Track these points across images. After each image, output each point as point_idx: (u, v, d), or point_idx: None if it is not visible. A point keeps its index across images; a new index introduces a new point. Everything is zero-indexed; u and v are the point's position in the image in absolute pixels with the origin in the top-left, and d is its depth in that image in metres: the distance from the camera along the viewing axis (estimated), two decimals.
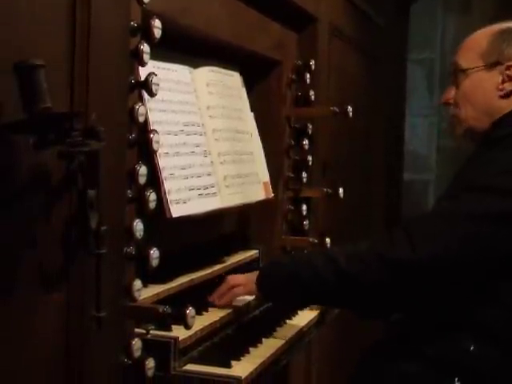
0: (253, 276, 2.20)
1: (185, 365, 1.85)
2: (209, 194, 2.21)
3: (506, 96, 2.19)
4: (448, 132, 2.37)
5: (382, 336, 2.31)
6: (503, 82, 2.19)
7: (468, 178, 2.09)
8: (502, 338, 2.01)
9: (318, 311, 2.51)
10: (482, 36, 2.25)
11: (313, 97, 2.91)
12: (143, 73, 1.72)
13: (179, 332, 1.82)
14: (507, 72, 2.18)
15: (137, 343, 1.67)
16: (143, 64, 1.68)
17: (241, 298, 2.24)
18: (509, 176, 2.00)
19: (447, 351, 2.04)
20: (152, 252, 1.71)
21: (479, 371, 2.01)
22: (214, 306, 2.18)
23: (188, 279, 2.15)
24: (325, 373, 3.43)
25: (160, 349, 1.76)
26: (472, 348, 2.00)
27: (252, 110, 2.70)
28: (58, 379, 1.47)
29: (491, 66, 2.20)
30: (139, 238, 1.66)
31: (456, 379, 2.01)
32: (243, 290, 2.21)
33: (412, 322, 2.22)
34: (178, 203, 1.99)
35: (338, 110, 2.87)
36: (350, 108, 2.88)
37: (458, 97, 2.27)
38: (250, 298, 2.28)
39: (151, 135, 1.74)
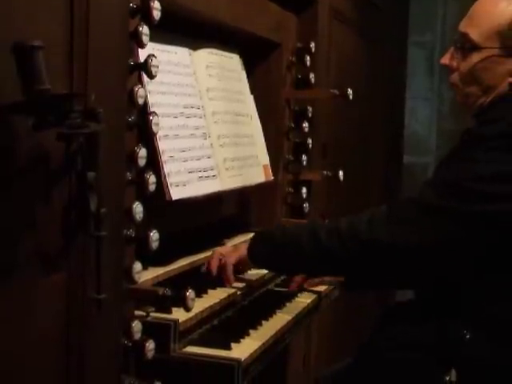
0: (242, 244, 2.26)
1: (185, 347, 1.85)
2: (208, 176, 2.21)
3: None
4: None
5: (379, 322, 2.31)
6: None
7: (451, 171, 2.03)
8: (499, 326, 2.01)
9: (316, 295, 2.52)
10: (505, 12, 2.04)
11: (313, 79, 2.91)
12: (142, 55, 1.71)
13: (179, 314, 1.83)
14: None
15: (137, 325, 1.68)
16: (142, 46, 1.67)
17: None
18: (485, 182, 1.92)
19: (443, 339, 2.04)
20: (152, 234, 1.71)
21: (475, 360, 2.01)
22: (213, 287, 2.18)
23: (188, 262, 2.16)
24: (324, 356, 3.44)
25: (160, 331, 1.76)
26: (468, 336, 2.00)
27: (252, 93, 2.69)
28: (58, 361, 1.48)
29: (510, 50, 2.04)
30: (139, 220, 1.66)
31: (452, 368, 2.01)
32: (234, 256, 2.23)
33: (409, 310, 2.22)
34: (177, 186, 1.99)
35: (338, 92, 2.87)
36: (349, 90, 2.87)
37: (464, 72, 2.12)
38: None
39: (151, 117, 1.74)
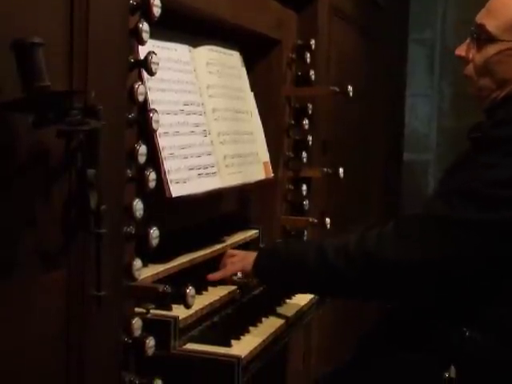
0: (251, 256, 2.22)
1: (185, 344, 1.85)
2: (208, 173, 2.20)
3: None
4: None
5: (379, 321, 2.31)
6: None
7: (463, 179, 1.97)
8: (498, 324, 2.00)
9: None
10: None
11: (313, 76, 2.90)
12: (143, 52, 1.71)
13: (179, 311, 1.83)
14: None
15: (137, 322, 1.68)
16: (142, 43, 1.67)
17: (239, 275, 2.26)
18: (507, 187, 1.88)
19: (443, 337, 2.04)
20: (152, 231, 1.71)
21: (475, 357, 2.00)
22: (214, 285, 2.19)
23: (188, 259, 2.15)
24: (324, 353, 3.44)
25: (160, 328, 1.76)
26: (468, 334, 2.00)
27: (252, 90, 2.69)
28: (58, 358, 1.48)
29: None
30: (139, 217, 1.66)
31: (452, 366, 2.01)
32: (239, 265, 2.22)
33: (408, 310, 2.22)
34: (177, 183, 1.99)
35: (338, 89, 2.86)
36: (350, 88, 2.87)
37: (479, 64, 2.10)
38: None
39: (151, 114, 1.74)
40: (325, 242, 2.10)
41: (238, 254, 2.30)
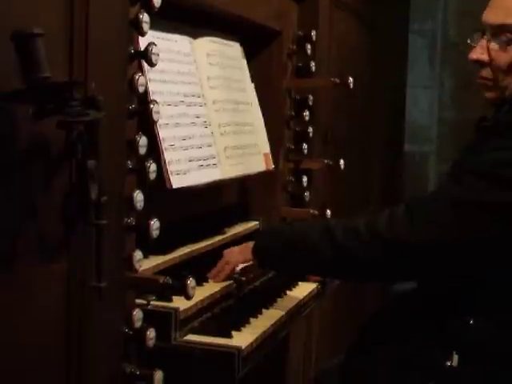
0: (249, 244, 2.19)
1: (185, 335, 1.86)
2: (209, 165, 2.20)
3: None
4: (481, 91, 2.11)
5: (380, 310, 2.31)
6: None
7: (476, 162, 1.97)
8: (502, 312, 2.00)
9: (317, 283, 2.52)
10: None
11: (313, 68, 2.89)
12: (143, 43, 1.70)
13: (180, 303, 1.83)
14: None
15: (137, 314, 1.68)
16: (143, 34, 1.67)
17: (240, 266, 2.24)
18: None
19: (446, 325, 2.04)
20: (152, 223, 1.71)
21: (478, 345, 2.00)
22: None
23: (188, 250, 2.16)
24: (325, 342, 3.44)
25: (161, 319, 1.77)
26: (471, 322, 2.00)
27: (252, 81, 2.69)
28: (58, 349, 1.48)
29: None
30: (139, 208, 1.66)
31: (454, 352, 2.01)
32: (239, 258, 2.20)
33: (411, 296, 2.22)
34: (178, 174, 1.99)
35: (338, 81, 2.86)
36: (350, 79, 2.86)
37: (504, 63, 2.05)
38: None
39: (151, 106, 1.73)
40: (330, 222, 2.08)
41: (235, 249, 2.25)
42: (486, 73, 2.11)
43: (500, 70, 2.07)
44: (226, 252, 2.24)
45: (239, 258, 2.20)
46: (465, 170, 1.97)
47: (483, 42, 2.09)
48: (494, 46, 2.07)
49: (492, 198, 1.88)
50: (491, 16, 2.08)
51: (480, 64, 2.11)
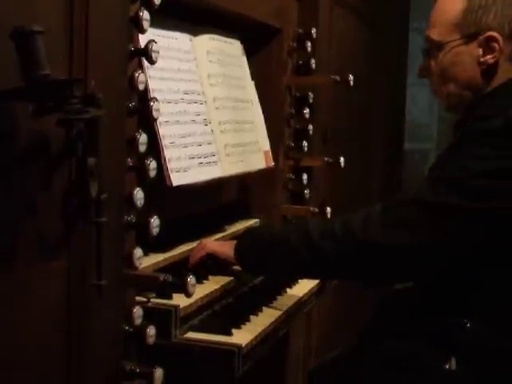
0: (228, 242, 2.19)
1: (185, 333, 1.86)
2: (209, 162, 2.20)
3: (489, 70, 2.06)
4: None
5: (377, 312, 2.31)
6: (484, 54, 2.05)
7: (450, 170, 1.96)
8: (500, 315, 2.00)
9: (318, 281, 2.52)
10: (456, 5, 2.07)
11: (314, 65, 2.89)
12: (143, 40, 1.70)
13: (180, 300, 1.83)
14: (488, 44, 2.04)
15: (138, 311, 1.68)
16: (143, 31, 1.66)
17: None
18: (484, 178, 1.88)
19: (443, 328, 2.04)
20: (152, 220, 1.71)
21: (475, 348, 2.00)
22: (214, 274, 2.18)
23: (188, 248, 2.16)
24: (324, 340, 3.45)
25: (161, 317, 1.77)
26: (468, 325, 2.00)
27: (252, 79, 2.69)
28: (58, 347, 1.48)
29: (469, 38, 2.05)
30: (139, 206, 1.66)
31: (452, 357, 2.01)
32: (217, 247, 2.18)
33: (407, 298, 2.22)
34: (178, 172, 1.99)
35: (338, 78, 2.85)
36: (350, 77, 2.86)
37: (437, 74, 2.14)
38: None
39: (151, 103, 1.74)
40: (309, 225, 2.08)
41: (213, 241, 2.24)
42: (432, 84, 2.22)
43: (437, 80, 2.17)
44: (205, 242, 2.21)
45: (217, 247, 2.18)
46: (441, 177, 1.97)
47: (424, 58, 2.21)
48: (428, 60, 2.18)
49: (464, 206, 1.88)
50: (427, 29, 2.19)
51: (428, 78, 2.22)
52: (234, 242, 2.17)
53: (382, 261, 1.97)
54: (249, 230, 2.31)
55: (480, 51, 2.06)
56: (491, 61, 2.05)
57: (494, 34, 2.03)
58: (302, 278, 2.45)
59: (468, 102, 2.12)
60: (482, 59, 2.06)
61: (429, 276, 2.06)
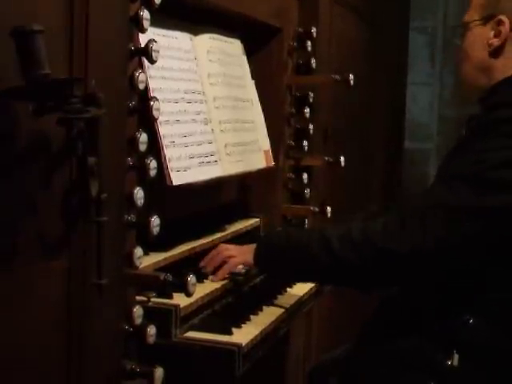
0: (247, 248, 2.19)
1: (186, 332, 1.86)
2: (209, 162, 2.20)
3: (495, 53, 2.09)
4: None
5: (379, 309, 2.31)
6: (495, 36, 2.09)
7: (463, 165, 1.97)
8: (503, 311, 2.00)
9: None
10: None
11: (314, 65, 2.89)
12: (143, 39, 1.70)
13: (180, 299, 1.83)
14: (498, 27, 2.07)
15: (138, 310, 1.68)
16: (143, 30, 1.66)
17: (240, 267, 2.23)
18: (503, 169, 1.88)
19: (446, 324, 2.04)
20: (153, 220, 1.71)
21: (478, 344, 2.00)
22: (214, 273, 2.18)
23: (189, 247, 2.16)
24: (325, 340, 3.44)
25: (161, 316, 1.77)
26: (471, 321, 2.00)
27: (253, 78, 2.69)
28: (59, 346, 1.48)
29: (486, 19, 2.10)
30: (140, 205, 1.66)
31: (455, 352, 2.01)
32: (239, 260, 2.19)
33: (410, 297, 2.22)
34: (178, 171, 1.99)
35: (339, 78, 2.85)
36: (351, 76, 2.86)
37: (461, 53, 2.19)
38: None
39: (151, 102, 1.73)
40: (327, 231, 2.08)
41: (233, 248, 2.25)
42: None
43: (460, 57, 2.20)
44: (224, 247, 2.23)
45: (241, 258, 2.19)
46: (452, 175, 1.97)
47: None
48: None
49: (480, 203, 1.88)
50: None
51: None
52: (252, 246, 2.18)
53: (403, 268, 1.98)
54: (266, 236, 2.32)
55: (492, 33, 2.09)
56: (496, 43, 2.08)
57: (503, 17, 2.07)
58: (322, 284, 2.47)
59: (482, 87, 2.13)
60: (490, 41, 2.09)
61: (444, 277, 2.04)
